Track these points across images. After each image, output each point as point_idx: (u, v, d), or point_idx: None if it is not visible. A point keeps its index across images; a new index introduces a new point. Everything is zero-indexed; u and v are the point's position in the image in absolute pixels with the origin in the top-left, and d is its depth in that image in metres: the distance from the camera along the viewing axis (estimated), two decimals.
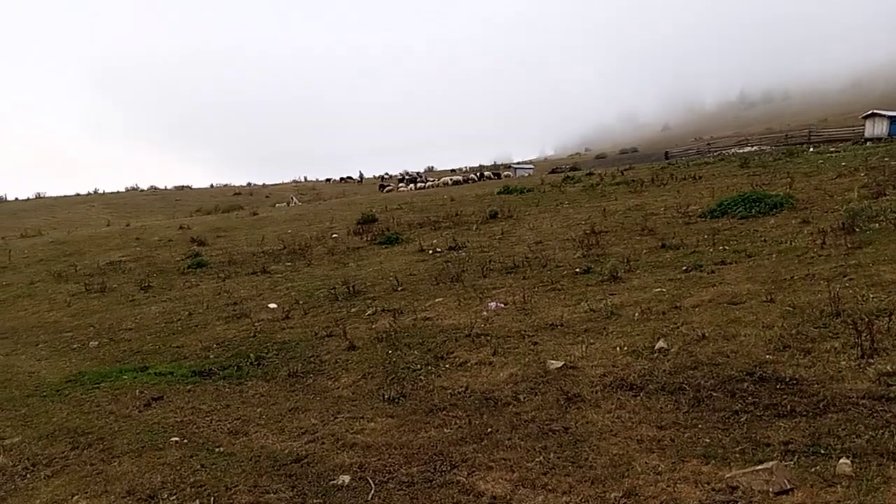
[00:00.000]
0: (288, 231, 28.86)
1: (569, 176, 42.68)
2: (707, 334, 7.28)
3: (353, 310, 13.07)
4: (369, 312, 12.53)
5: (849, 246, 10.86)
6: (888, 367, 5.44)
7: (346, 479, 5.33)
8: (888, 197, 15.58)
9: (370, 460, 5.58)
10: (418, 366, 8.25)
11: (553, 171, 61.03)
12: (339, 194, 59.36)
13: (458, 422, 6.08)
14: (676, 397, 5.74)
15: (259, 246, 25.04)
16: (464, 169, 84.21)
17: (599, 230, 18.65)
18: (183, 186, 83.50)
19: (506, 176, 64.11)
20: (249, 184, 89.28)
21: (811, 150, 38.14)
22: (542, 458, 5.03)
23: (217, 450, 6.44)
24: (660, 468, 4.53)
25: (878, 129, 41.71)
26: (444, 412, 6.43)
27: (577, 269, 13.66)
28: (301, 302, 14.61)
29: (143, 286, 19.67)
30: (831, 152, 33.24)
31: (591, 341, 8.07)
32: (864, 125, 44.13)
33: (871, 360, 5.67)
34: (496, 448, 5.33)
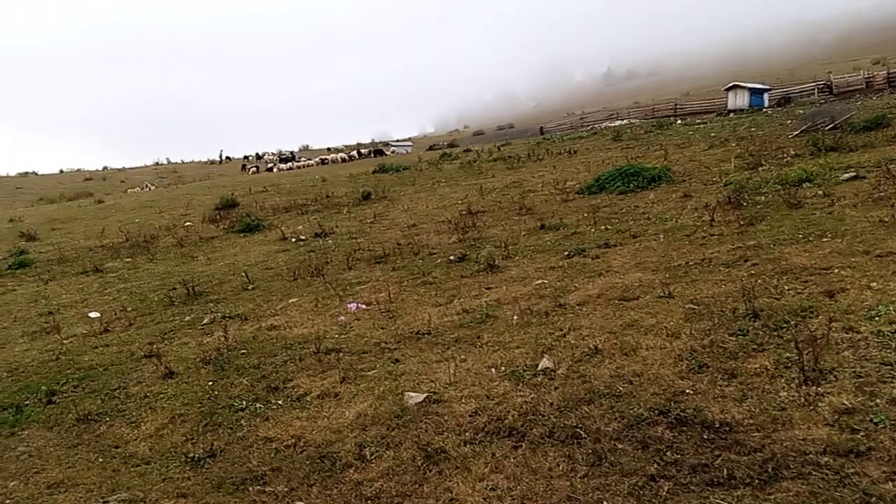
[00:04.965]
0: (135, 220, 25.71)
1: (446, 153, 41.60)
2: (600, 346, 5.89)
3: (188, 318, 10.93)
4: (206, 321, 10.47)
5: (740, 223, 9.95)
6: (844, 400, 4.12)
7: None
8: (766, 167, 15.17)
9: None
10: (243, 403, 6.37)
11: (431, 148, 59.75)
12: (203, 177, 55.08)
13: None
14: (570, 450, 4.25)
15: (98, 239, 21.88)
16: (341, 147, 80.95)
17: (476, 210, 17.42)
18: (27, 173, 75.12)
19: (391, 153, 62.01)
20: (105, 168, 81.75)
21: (679, 122, 38.90)
22: None
23: None
24: None
25: (739, 100, 43.19)
26: (260, 485, 4.64)
27: (452, 257, 12.21)
28: (130, 309, 12.23)
29: None
30: (698, 124, 33.86)
31: (462, 357, 6.51)
32: (726, 97, 45.58)
33: (819, 389, 4.34)
34: None
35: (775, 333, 5.35)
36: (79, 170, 79.96)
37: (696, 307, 6.53)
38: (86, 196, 44.94)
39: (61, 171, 79.42)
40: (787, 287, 6.63)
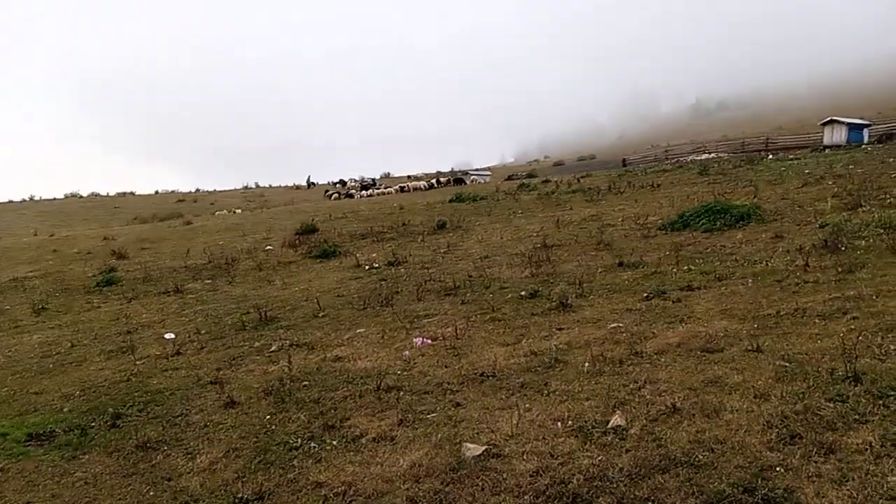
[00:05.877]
0: (219, 242, 26.53)
1: (524, 183, 41.27)
2: (679, 405, 5.36)
3: (257, 343, 10.96)
4: (274, 348, 10.47)
5: (838, 270, 9.16)
6: None
7: None
8: (866, 209, 14.10)
9: None
10: (298, 441, 6.18)
11: (509, 178, 59.51)
12: (288, 202, 56.70)
13: None
14: None
15: (183, 260, 22.69)
16: (420, 175, 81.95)
17: (552, 243, 16.98)
18: (125, 193, 79.61)
19: (471, 181, 62.19)
20: (197, 190, 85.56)
21: (770, 157, 37.24)
22: None
23: None
24: None
25: (836, 136, 41.10)
26: None
27: (523, 292, 11.82)
28: (203, 331, 12.42)
29: (37, 308, 17.06)
30: (791, 159, 32.27)
31: (527, 406, 6.11)
32: (821, 132, 43.55)
33: None
34: None
35: (881, 402, 4.69)
36: (173, 191, 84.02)
37: (787, 365, 5.88)
38: (176, 217, 46.99)
39: (156, 192, 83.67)
40: (892, 347, 5.90)
